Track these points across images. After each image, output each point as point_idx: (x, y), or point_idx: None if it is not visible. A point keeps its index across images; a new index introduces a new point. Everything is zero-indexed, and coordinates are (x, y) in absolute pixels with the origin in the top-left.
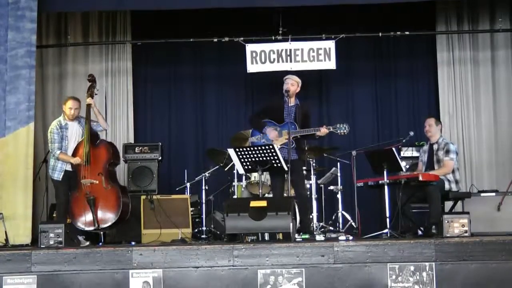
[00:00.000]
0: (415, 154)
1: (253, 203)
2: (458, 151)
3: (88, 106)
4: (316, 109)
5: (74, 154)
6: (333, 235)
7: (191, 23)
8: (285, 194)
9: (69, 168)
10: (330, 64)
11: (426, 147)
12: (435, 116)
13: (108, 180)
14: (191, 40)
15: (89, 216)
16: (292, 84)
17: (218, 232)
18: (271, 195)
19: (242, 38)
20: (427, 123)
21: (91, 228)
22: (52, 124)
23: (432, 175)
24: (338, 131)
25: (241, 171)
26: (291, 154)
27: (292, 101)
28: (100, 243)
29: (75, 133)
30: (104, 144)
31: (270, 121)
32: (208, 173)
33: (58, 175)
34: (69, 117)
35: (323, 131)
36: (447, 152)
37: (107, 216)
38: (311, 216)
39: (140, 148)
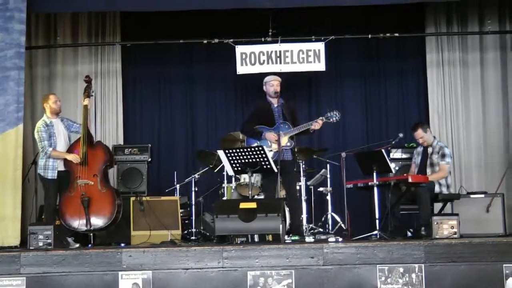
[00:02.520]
0: (405, 155)
1: (243, 205)
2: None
3: (85, 107)
4: (305, 111)
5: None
6: (323, 237)
7: (181, 25)
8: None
9: (61, 168)
10: (320, 65)
11: (420, 149)
12: (421, 121)
13: (103, 182)
14: (180, 41)
15: (82, 217)
16: (277, 85)
17: (208, 234)
18: (261, 197)
19: (232, 40)
20: (417, 136)
21: (83, 229)
22: (38, 124)
23: (421, 177)
24: (331, 119)
25: (231, 172)
26: (288, 155)
27: (276, 101)
28: (90, 245)
29: (61, 131)
30: (101, 145)
31: (262, 127)
32: (198, 175)
33: (52, 174)
34: (56, 111)
35: (320, 123)
36: (443, 156)
37: (101, 218)
38: (301, 218)
39: (130, 149)
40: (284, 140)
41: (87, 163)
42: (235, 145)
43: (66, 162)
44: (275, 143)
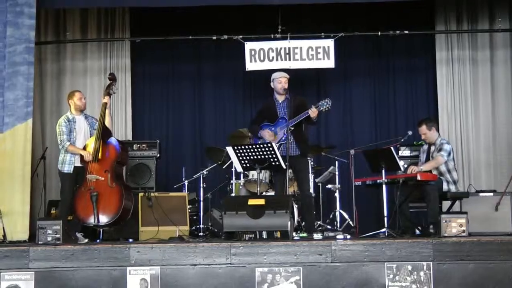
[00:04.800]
0: (414, 153)
1: (251, 201)
2: (452, 151)
3: (104, 104)
4: None
5: (84, 149)
6: (331, 234)
7: (190, 21)
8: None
9: (78, 163)
10: (329, 62)
11: (425, 147)
12: (430, 116)
13: (113, 179)
14: (190, 37)
15: (90, 212)
16: (285, 82)
17: (216, 230)
18: (269, 193)
19: (241, 36)
20: (420, 132)
21: (91, 224)
22: (60, 118)
23: (430, 175)
24: (321, 108)
25: (239, 169)
26: (293, 149)
27: (282, 98)
28: (98, 240)
29: (83, 128)
30: (114, 142)
31: (265, 124)
32: (206, 171)
33: (68, 168)
34: (80, 108)
35: (314, 111)
36: (440, 150)
37: (107, 214)
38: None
39: (138, 145)
40: (280, 135)
41: (98, 159)
42: (243, 141)
43: (82, 157)
44: (270, 139)
